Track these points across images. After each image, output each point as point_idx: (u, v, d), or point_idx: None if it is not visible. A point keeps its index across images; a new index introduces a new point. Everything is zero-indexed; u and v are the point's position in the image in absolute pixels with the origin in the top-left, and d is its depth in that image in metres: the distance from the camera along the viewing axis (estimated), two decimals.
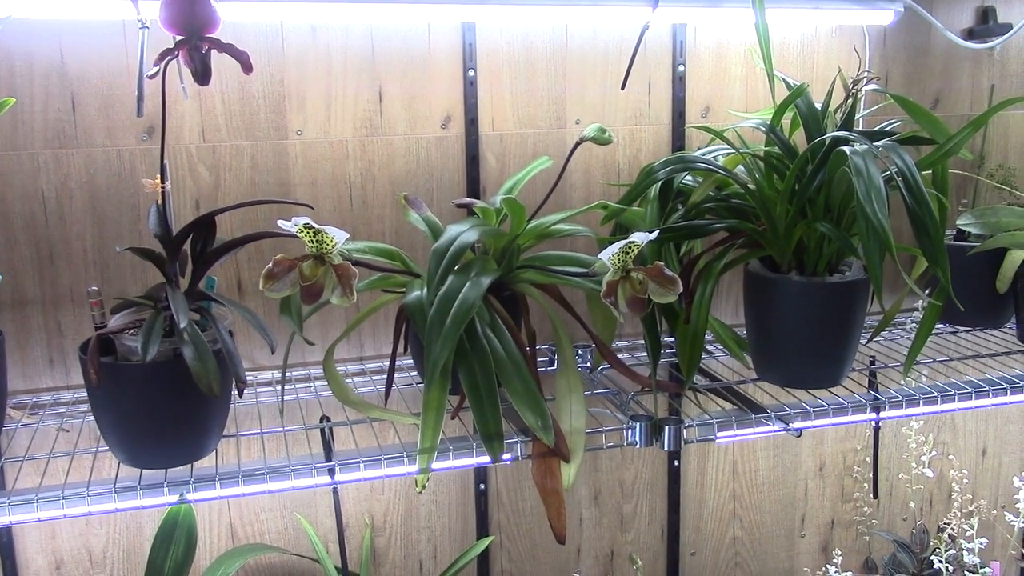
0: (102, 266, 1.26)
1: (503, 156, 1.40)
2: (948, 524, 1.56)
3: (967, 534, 1.52)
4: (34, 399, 1.25)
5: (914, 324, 1.53)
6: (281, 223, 0.95)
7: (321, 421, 1.16)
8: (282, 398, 1.23)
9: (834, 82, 1.22)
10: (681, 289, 1.02)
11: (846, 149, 1.04)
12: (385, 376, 1.13)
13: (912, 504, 1.75)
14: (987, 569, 1.51)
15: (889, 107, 1.44)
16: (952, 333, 1.47)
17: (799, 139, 1.21)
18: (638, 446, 1.15)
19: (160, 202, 1.02)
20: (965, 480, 1.74)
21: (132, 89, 1.22)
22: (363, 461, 1.07)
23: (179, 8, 0.90)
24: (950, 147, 1.10)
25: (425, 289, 1.03)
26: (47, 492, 0.99)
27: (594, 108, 1.43)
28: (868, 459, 1.71)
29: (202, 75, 0.93)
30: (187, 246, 1.04)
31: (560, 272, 1.14)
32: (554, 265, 1.16)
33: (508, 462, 1.08)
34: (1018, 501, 1.52)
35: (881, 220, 0.97)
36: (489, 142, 1.39)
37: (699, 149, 1.34)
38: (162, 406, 0.99)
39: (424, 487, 1.04)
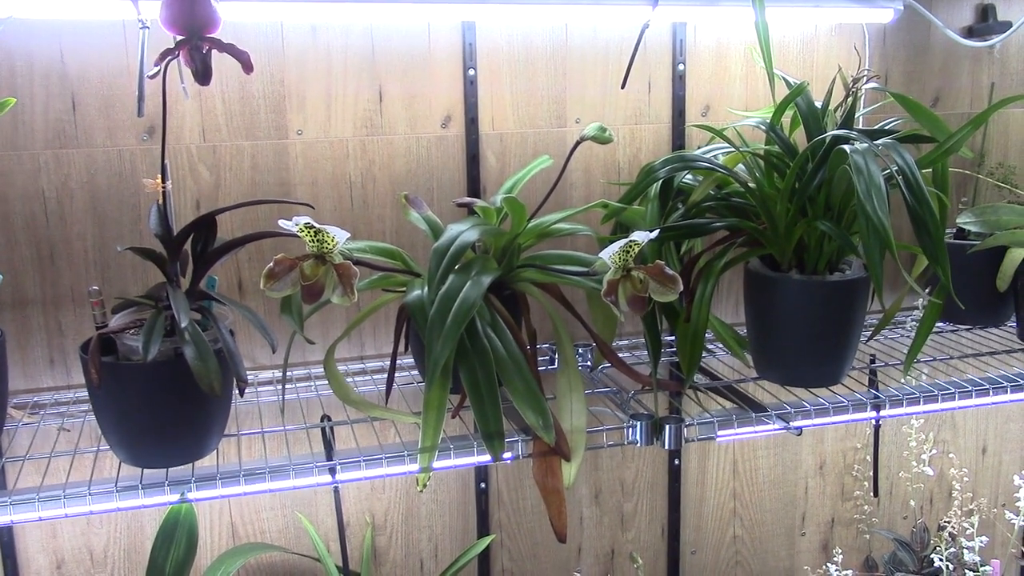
0: (103, 266, 1.26)
1: (503, 155, 1.40)
2: (948, 522, 1.56)
3: (967, 532, 1.52)
4: (35, 399, 1.26)
5: (914, 322, 1.53)
6: (282, 223, 0.95)
7: (322, 420, 1.16)
8: (283, 397, 1.23)
9: (834, 80, 1.22)
10: (681, 288, 1.02)
11: (846, 147, 1.04)
12: (386, 375, 1.13)
13: (912, 502, 1.75)
14: (987, 567, 1.51)
15: (889, 105, 1.44)
16: (952, 331, 1.47)
17: (799, 138, 1.21)
18: (639, 445, 1.15)
19: (161, 202, 1.02)
20: (965, 478, 1.74)
21: (132, 89, 1.22)
22: (364, 460, 1.07)
23: (180, 8, 0.91)
24: (950, 145, 1.10)
25: (426, 288, 1.03)
26: (48, 491, 0.99)
27: (594, 107, 1.43)
28: (868, 457, 1.71)
29: (203, 75, 0.93)
30: (188, 246, 1.04)
31: (561, 271, 1.14)
32: (554, 264, 1.16)
33: (509, 461, 1.08)
34: (1018, 499, 1.53)
35: (881, 218, 0.97)
36: (489, 141, 1.39)
37: (699, 148, 1.34)
38: (163, 405, 0.99)
39: (425, 486, 1.04)
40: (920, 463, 1.62)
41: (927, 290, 1.21)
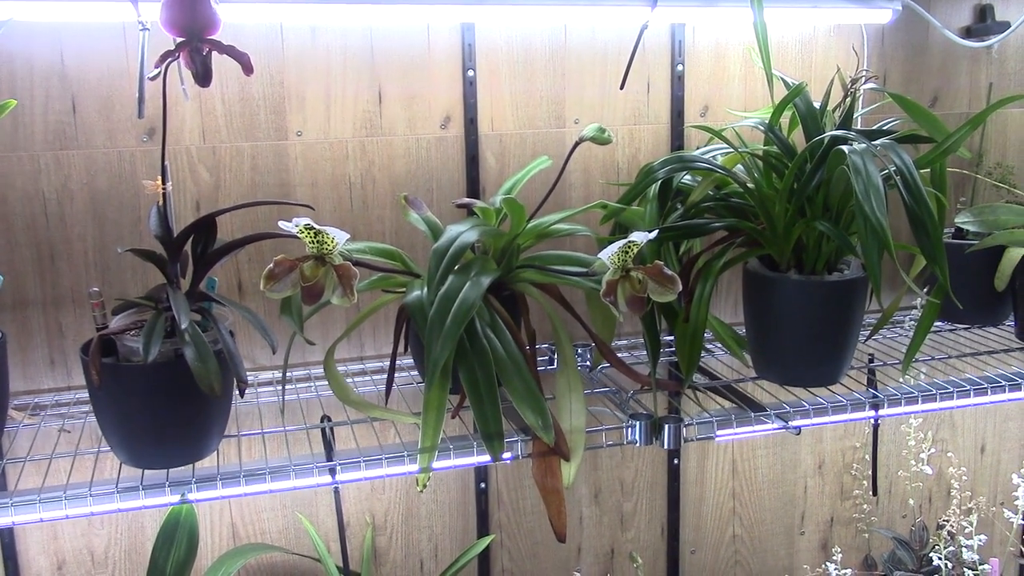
0: (103, 267, 1.27)
1: (502, 156, 1.40)
2: (947, 521, 1.57)
3: (966, 531, 1.53)
4: (35, 400, 1.26)
5: (913, 322, 1.53)
6: (282, 224, 0.96)
7: (322, 421, 1.16)
8: (283, 398, 1.23)
9: (832, 81, 1.22)
10: (680, 288, 1.02)
11: (845, 148, 1.04)
12: (385, 376, 1.14)
13: (911, 501, 1.75)
14: (986, 566, 1.52)
15: (887, 106, 1.45)
16: (950, 331, 1.48)
17: (798, 138, 1.21)
18: (638, 444, 1.15)
19: (161, 203, 1.03)
20: (964, 477, 1.75)
21: (132, 91, 1.22)
22: (364, 460, 1.07)
23: (180, 10, 0.91)
24: (948, 145, 1.10)
25: (425, 289, 1.04)
26: (49, 493, 1.00)
27: (593, 108, 1.43)
28: (867, 457, 1.71)
29: (203, 77, 0.93)
30: (188, 247, 1.05)
31: (560, 271, 1.14)
32: (554, 264, 1.17)
33: (508, 461, 1.08)
34: (1017, 498, 1.53)
35: (880, 218, 0.97)
36: (488, 142, 1.39)
37: (698, 148, 1.34)
38: (164, 406, 1.00)
39: (425, 486, 1.04)
40: (919, 462, 1.62)
41: (925, 290, 1.21)
